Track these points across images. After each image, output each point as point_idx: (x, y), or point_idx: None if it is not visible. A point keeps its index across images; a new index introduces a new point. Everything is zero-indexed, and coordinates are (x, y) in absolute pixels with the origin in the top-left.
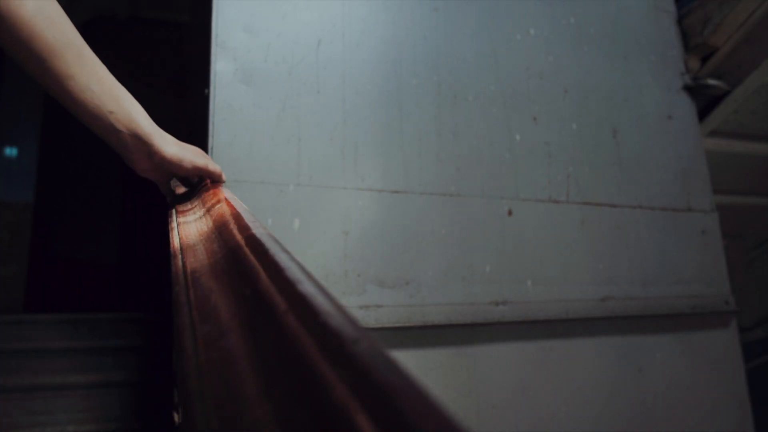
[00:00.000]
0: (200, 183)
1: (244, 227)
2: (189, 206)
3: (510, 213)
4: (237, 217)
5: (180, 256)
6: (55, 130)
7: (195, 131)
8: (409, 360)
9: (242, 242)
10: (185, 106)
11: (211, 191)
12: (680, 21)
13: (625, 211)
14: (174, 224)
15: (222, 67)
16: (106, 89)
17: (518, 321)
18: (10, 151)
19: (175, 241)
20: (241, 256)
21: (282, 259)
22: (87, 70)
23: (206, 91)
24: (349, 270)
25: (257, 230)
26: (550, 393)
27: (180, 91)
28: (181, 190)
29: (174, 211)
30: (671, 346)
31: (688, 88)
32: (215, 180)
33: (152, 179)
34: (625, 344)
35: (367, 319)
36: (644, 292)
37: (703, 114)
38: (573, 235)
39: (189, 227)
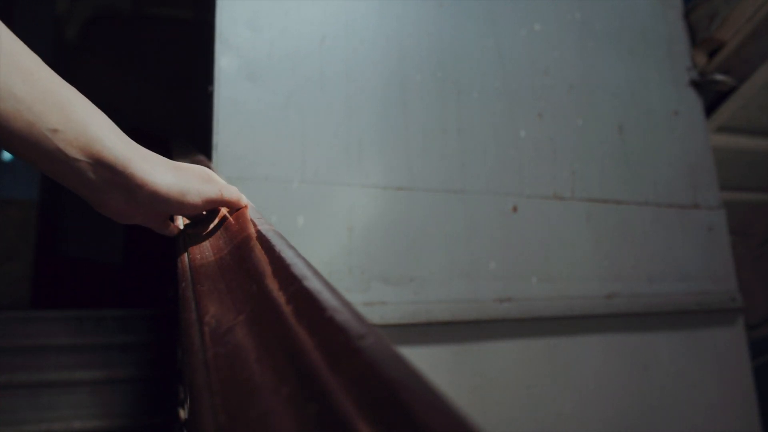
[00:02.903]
0: (213, 216)
1: (249, 223)
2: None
3: (515, 209)
4: (242, 213)
5: (186, 253)
6: None
7: (199, 128)
8: (414, 357)
9: (248, 238)
10: (189, 104)
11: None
12: (687, 15)
13: (631, 208)
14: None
15: (226, 63)
16: (39, 92)
17: (523, 318)
18: None
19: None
20: (247, 252)
21: (288, 255)
22: (4, 63)
23: (210, 88)
24: (353, 267)
25: (263, 227)
26: (555, 390)
27: (184, 89)
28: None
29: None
30: (677, 343)
31: (694, 84)
32: (233, 209)
33: (142, 224)
34: (630, 341)
35: (372, 316)
36: (650, 289)
37: (710, 109)
38: (578, 232)
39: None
